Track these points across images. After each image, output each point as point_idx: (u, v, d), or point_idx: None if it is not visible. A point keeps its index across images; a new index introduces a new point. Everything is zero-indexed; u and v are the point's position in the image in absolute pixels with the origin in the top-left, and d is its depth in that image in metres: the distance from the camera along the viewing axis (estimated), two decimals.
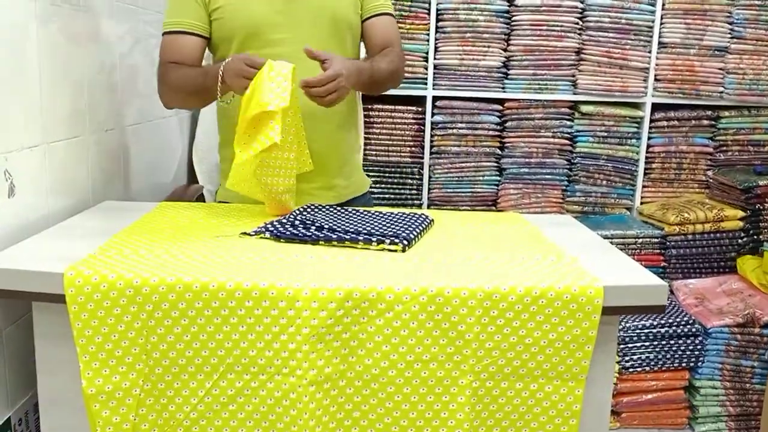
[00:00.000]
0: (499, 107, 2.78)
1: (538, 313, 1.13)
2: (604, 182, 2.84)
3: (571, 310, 1.13)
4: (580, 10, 2.72)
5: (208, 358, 1.12)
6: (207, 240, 1.33)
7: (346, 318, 1.11)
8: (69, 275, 1.09)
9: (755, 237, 2.67)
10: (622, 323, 2.43)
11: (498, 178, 2.83)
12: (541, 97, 2.76)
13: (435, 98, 2.77)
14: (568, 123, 2.80)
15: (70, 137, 1.58)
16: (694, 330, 2.43)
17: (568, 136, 2.81)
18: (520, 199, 2.82)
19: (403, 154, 2.80)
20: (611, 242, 2.56)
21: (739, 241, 2.68)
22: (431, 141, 2.79)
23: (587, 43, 2.74)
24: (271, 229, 1.37)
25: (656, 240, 2.65)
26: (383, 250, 1.30)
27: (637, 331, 2.42)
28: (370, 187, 2.74)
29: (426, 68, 2.75)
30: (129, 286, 1.09)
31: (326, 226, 1.37)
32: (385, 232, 1.35)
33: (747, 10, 2.75)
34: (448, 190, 2.82)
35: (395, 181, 2.80)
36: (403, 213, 1.53)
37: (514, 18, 2.72)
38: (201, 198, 2.33)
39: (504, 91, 2.77)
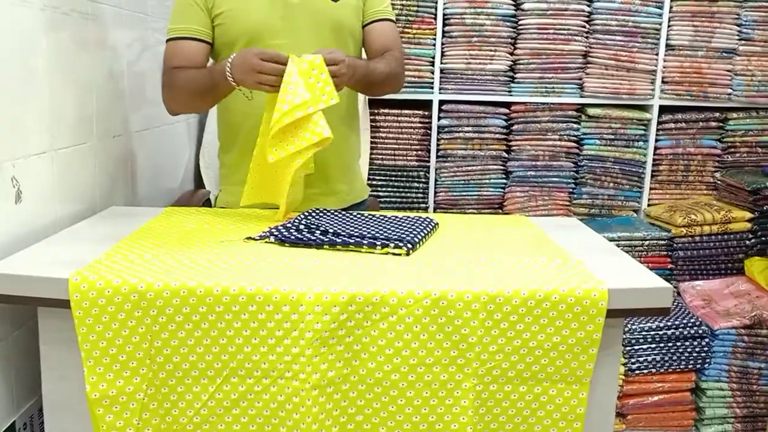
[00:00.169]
0: (506, 111, 2.78)
1: (542, 316, 1.13)
2: (611, 184, 2.83)
3: (576, 313, 1.13)
4: (587, 14, 2.72)
5: (212, 362, 1.13)
6: (212, 245, 1.33)
7: (349, 322, 1.11)
8: (74, 281, 1.10)
9: (763, 238, 2.65)
10: (628, 325, 2.42)
11: (504, 181, 2.83)
12: (547, 100, 2.76)
13: (441, 102, 2.77)
14: (575, 126, 2.79)
15: (78, 144, 1.60)
16: (700, 332, 2.41)
17: (575, 138, 2.81)
18: (527, 202, 2.82)
19: (409, 157, 2.80)
20: (618, 244, 2.56)
21: (747, 242, 2.66)
22: (438, 144, 2.80)
23: (594, 46, 2.74)
24: (276, 233, 1.38)
25: (663, 242, 2.64)
26: (387, 253, 1.31)
27: (644, 332, 2.41)
28: (377, 191, 2.79)
29: (432, 72, 2.75)
30: (133, 291, 1.10)
31: (331, 231, 1.38)
32: (390, 235, 1.36)
33: (755, 12, 2.73)
34: (455, 194, 2.82)
35: (402, 184, 2.80)
36: (408, 217, 1.54)
37: (520, 22, 2.72)
38: (208, 203, 2.34)
39: (510, 95, 2.77)
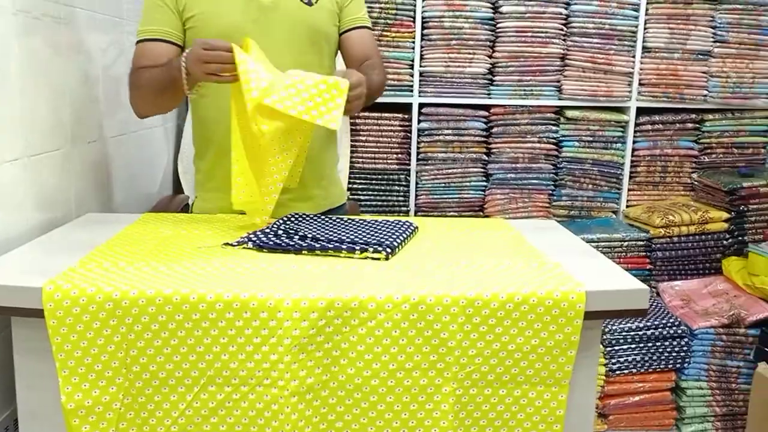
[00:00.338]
0: (485, 113, 2.79)
1: (521, 319, 1.13)
2: (590, 186, 2.85)
3: (554, 315, 1.13)
4: (564, 17, 2.74)
5: (189, 370, 1.11)
6: (189, 251, 1.32)
7: (328, 327, 1.11)
8: (47, 289, 1.09)
9: (740, 238, 2.69)
10: (609, 326, 2.44)
11: (485, 183, 2.84)
12: (526, 102, 2.77)
13: (421, 105, 2.77)
14: (554, 128, 2.81)
15: (52, 150, 1.58)
16: (680, 331, 2.44)
17: (554, 141, 2.82)
18: (507, 204, 2.83)
19: (389, 161, 2.80)
20: (598, 245, 2.58)
21: (724, 242, 2.69)
22: (418, 148, 2.80)
23: (572, 48, 2.76)
24: (254, 239, 1.37)
25: (642, 243, 2.66)
26: (366, 258, 1.30)
27: (624, 333, 2.43)
28: (357, 194, 2.78)
29: (412, 76, 2.75)
30: (108, 300, 1.08)
31: (309, 236, 1.37)
32: (369, 240, 1.35)
33: (729, 14, 2.77)
34: (435, 197, 2.83)
35: (382, 188, 2.80)
36: (387, 221, 1.54)
37: (498, 25, 2.73)
38: (186, 208, 2.32)
39: (490, 98, 2.78)
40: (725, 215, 2.67)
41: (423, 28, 2.72)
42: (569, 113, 2.79)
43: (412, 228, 1.49)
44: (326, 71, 1.70)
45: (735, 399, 2.49)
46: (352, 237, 1.37)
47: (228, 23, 1.56)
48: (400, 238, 1.40)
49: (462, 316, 1.12)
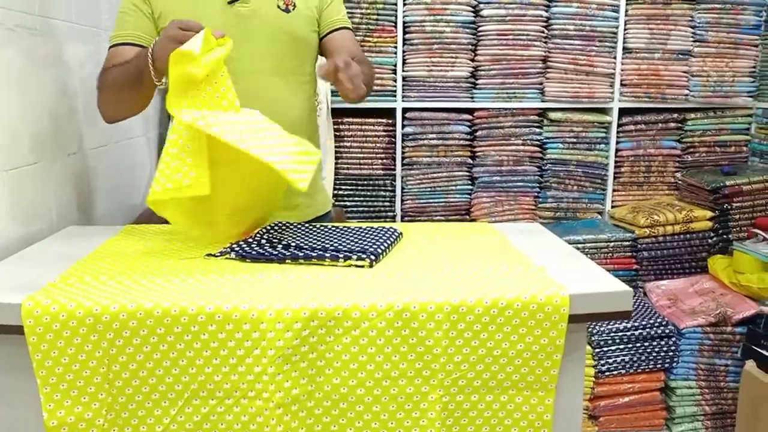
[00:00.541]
0: (469, 117, 2.80)
1: (505, 324, 1.13)
2: (575, 187, 2.86)
3: (538, 319, 1.13)
4: (545, 19, 2.75)
5: (173, 384, 1.10)
6: (171, 263, 1.31)
7: (312, 338, 1.10)
8: (27, 305, 1.07)
9: (724, 236, 2.70)
10: (596, 327, 2.45)
11: (470, 187, 2.84)
12: (509, 105, 2.78)
13: (405, 110, 2.77)
14: (538, 130, 2.82)
15: (30, 163, 1.56)
16: (667, 331, 2.45)
17: (538, 143, 2.83)
18: (493, 207, 2.83)
19: (375, 166, 2.80)
20: (584, 247, 2.59)
21: (709, 241, 2.71)
22: (402, 152, 2.80)
23: (553, 51, 2.77)
24: (237, 249, 1.35)
25: (627, 243, 2.67)
26: (350, 266, 1.29)
27: (612, 334, 2.43)
28: (343, 201, 2.77)
29: (395, 80, 2.76)
30: (89, 315, 1.07)
31: (293, 244, 1.36)
32: (353, 247, 1.35)
33: (708, 13, 2.80)
34: (421, 201, 2.83)
35: (368, 193, 2.80)
36: (371, 227, 1.53)
37: (480, 28, 2.74)
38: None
39: (473, 101, 2.79)
40: (709, 214, 2.69)
41: (405, 32, 2.73)
42: (552, 115, 2.80)
43: (396, 234, 1.49)
44: (307, 77, 1.69)
45: (724, 397, 2.50)
46: (335, 245, 1.37)
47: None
48: (384, 244, 1.39)
49: (447, 323, 1.11)
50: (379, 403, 1.13)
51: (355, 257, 1.30)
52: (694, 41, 2.82)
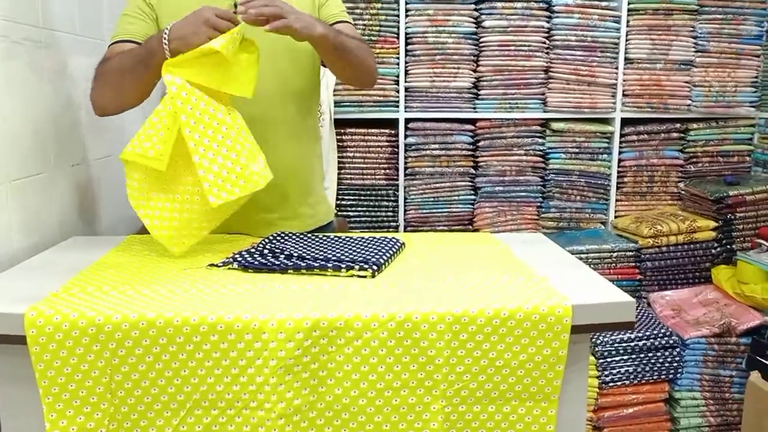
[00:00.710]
0: (472, 127, 2.80)
1: (508, 334, 1.13)
2: (578, 198, 2.86)
3: (541, 330, 1.13)
4: (547, 30, 2.76)
5: (175, 394, 1.10)
6: (173, 273, 1.31)
7: (314, 348, 1.10)
8: (30, 316, 1.08)
9: (728, 247, 2.70)
10: (600, 337, 2.44)
11: (473, 197, 2.84)
12: (512, 116, 2.79)
13: (407, 120, 2.78)
14: (540, 140, 2.82)
15: (34, 174, 1.57)
16: (671, 342, 2.43)
17: (541, 153, 2.84)
18: (496, 217, 2.83)
19: (377, 176, 2.80)
20: (587, 257, 2.59)
21: (713, 251, 2.70)
22: (405, 163, 2.80)
23: (555, 61, 2.78)
24: (239, 259, 1.36)
25: (631, 253, 2.67)
26: (353, 276, 1.30)
27: (615, 344, 2.42)
28: (346, 211, 2.78)
29: (397, 91, 2.76)
30: (91, 325, 1.07)
31: (295, 254, 1.36)
32: (355, 257, 1.35)
33: (710, 24, 2.80)
34: (424, 211, 2.83)
35: (371, 203, 2.80)
36: (373, 237, 1.53)
37: (482, 39, 2.75)
38: None
39: (475, 111, 2.79)
40: (713, 224, 2.68)
41: (407, 43, 2.74)
42: (555, 125, 2.80)
43: (399, 244, 1.49)
44: (307, 79, 1.67)
45: (729, 408, 2.48)
46: (337, 255, 1.37)
47: None
48: (387, 255, 1.39)
49: (449, 333, 1.11)
50: (381, 414, 1.13)
51: (357, 267, 1.30)
52: (695, 51, 2.82)
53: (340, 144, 2.76)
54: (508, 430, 1.17)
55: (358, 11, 2.66)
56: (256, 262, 1.34)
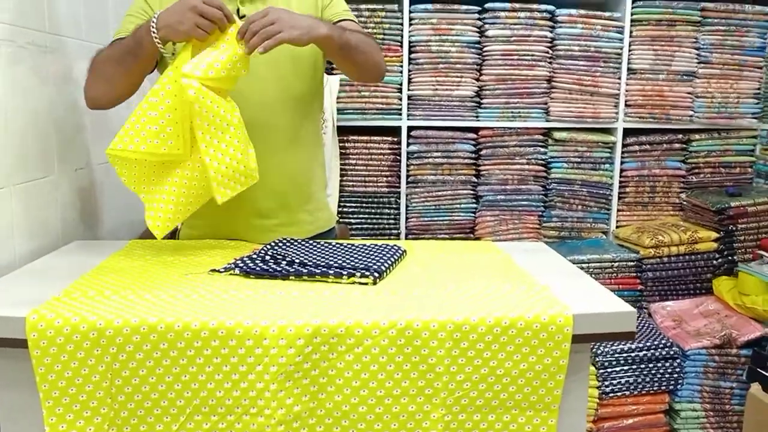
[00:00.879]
0: (474, 136, 2.81)
1: (509, 343, 1.13)
2: (580, 207, 2.86)
3: (542, 339, 1.13)
4: (550, 40, 2.77)
5: (175, 399, 1.10)
6: (175, 278, 1.31)
7: (314, 354, 1.10)
8: (31, 319, 1.08)
9: (729, 258, 2.69)
10: (601, 347, 2.43)
11: (475, 205, 2.84)
12: (514, 124, 2.79)
13: (410, 128, 2.78)
14: (542, 149, 2.83)
15: (38, 178, 1.57)
16: (672, 352, 2.43)
17: (543, 162, 2.84)
18: (498, 226, 2.83)
19: (379, 184, 2.81)
20: (588, 266, 2.58)
21: (714, 262, 2.70)
22: (407, 170, 2.81)
23: (558, 71, 2.78)
24: (241, 265, 1.36)
25: (632, 263, 2.66)
26: (354, 283, 1.30)
27: (616, 355, 2.42)
28: (348, 218, 2.78)
29: (400, 99, 2.77)
30: (92, 329, 1.07)
31: (297, 261, 1.37)
32: (356, 264, 1.35)
33: (713, 35, 2.81)
34: (426, 219, 2.83)
35: (373, 211, 2.80)
36: (375, 245, 1.53)
37: (485, 48, 2.76)
38: (175, 234, 2.31)
39: (478, 120, 2.80)
40: (714, 235, 2.68)
41: (410, 52, 2.75)
42: (557, 135, 2.81)
43: (400, 252, 1.49)
44: (308, 85, 1.65)
45: (729, 421, 2.48)
46: (339, 262, 1.37)
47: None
48: (388, 262, 1.39)
49: (449, 341, 1.11)
50: (381, 421, 1.13)
51: (358, 274, 1.30)
52: (698, 63, 2.83)
53: (343, 151, 2.77)
54: None
55: (362, 19, 2.67)
56: (257, 268, 1.34)
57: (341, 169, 2.76)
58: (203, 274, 1.35)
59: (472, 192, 2.83)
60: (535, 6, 2.73)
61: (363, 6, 2.67)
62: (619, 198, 2.89)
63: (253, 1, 1.59)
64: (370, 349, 1.10)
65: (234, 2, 1.57)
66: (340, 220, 2.75)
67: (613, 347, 2.43)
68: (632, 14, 2.76)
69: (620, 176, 2.87)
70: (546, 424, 1.16)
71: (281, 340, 1.07)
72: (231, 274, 1.35)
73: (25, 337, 1.08)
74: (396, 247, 1.51)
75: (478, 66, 2.78)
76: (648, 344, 2.44)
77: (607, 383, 2.42)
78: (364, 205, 2.79)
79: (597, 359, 2.42)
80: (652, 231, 2.72)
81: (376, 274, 1.31)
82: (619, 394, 2.43)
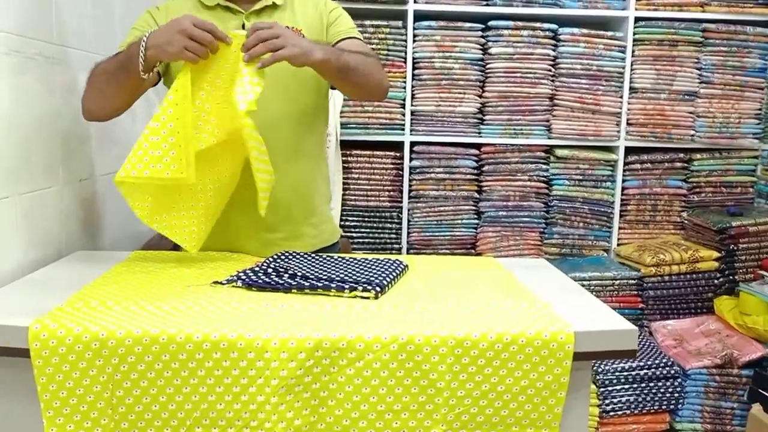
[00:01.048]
0: (476, 152, 2.82)
1: (510, 359, 1.13)
2: (581, 224, 2.87)
3: (543, 356, 1.13)
4: (552, 58, 2.79)
5: (175, 411, 1.10)
6: (177, 290, 1.31)
7: (315, 368, 1.10)
8: (34, 329, 1.08)
9: (731, 277, 2.69)
10: (601, 366, 2.43)
11: (476, 221, 2.85)
12: (516, 141, 2.81)
13: (413, 143, 2.80)
14: (544, 167, 2.84)
15: (42, 188, 1.58)
16: (673, 372, 2.42)
17: (545, 179, 2.85)
18: (499, 242, 2.84)
19: (382, 198, 2.82)
20: (589, 284, 2.58)
21: (715, 281, 2.70)
22: (410, 185, 2.82)
23: (560, 89, 2.80)
24: (243, 277, 1.36)
25: (633, 281, 2.66)
26: (356, 297, 1.30)
27: (617, 373, 2.41)
28: (350, 232, 2.78)
29: (403, 114, 2.79)
30: (95, 339, 1.08)
31: (299, 274, 1.37)
32: (358, 278, 1.35)
33: (714, 56, 2.83)
34: (427, 234, 2.84)
35: (375, 225, 2.81)
36: (377, 259, 1.53)
37: (488, 66, 2.78)
38: (178, 245, 2.31)
39: (480, 136, 2.81)
40: (715, 254, 2.68)
41: (414, 68, 2.77)
42: (559, 152, 2.82)
43: (402, 266, 1.49)
44: (312, 98, 1.66)
45: None
46: (341, 276, 1.37)
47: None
48: (390, 276, 1.39)
49: (451, 357, 1.11)
50: None
51: (360, 288, 1.30)
52: (700, 83, 2.84)
53: (346, 165, 2.78)
54: None
55: (366, 35, 2.69)
56: (260, 281, 1.34)
57: (344, 183, 2.77)
58: (206, 286, 1.35)
59: (473, 208, 2.84)
60: (538, 24, 2.76)
61: (367, 22, 2.69)
62: (621, 216, 2.90)
63: (260, 16, 1.60)
64: (372, 363, 1.10)
65: (239, 18, 1.58)
66: (342, 234, 2.75)
67: (614, 365, 2.43)
68: (634, 34, 2.79)
69: (622, 194, 2.88)
70: None
71: (283, 353, 1.07)
72: (233, 286, 1.35)
73: (27, 346, 1.08)
74: (398, 262, 1.51)
75: (480, 83, 2.79)
76: (649, 363, 2.43)
77: (607, 402, 2.41)
78: (366, 219, 2.80)
79: (597, 377, 2.41)
80: (653, 249, 2.72)
81: (378, 289, 1.31)
82: (619, 412, 2.42)
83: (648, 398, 2.42)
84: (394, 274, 1.43)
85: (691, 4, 2.80)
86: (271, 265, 1.42)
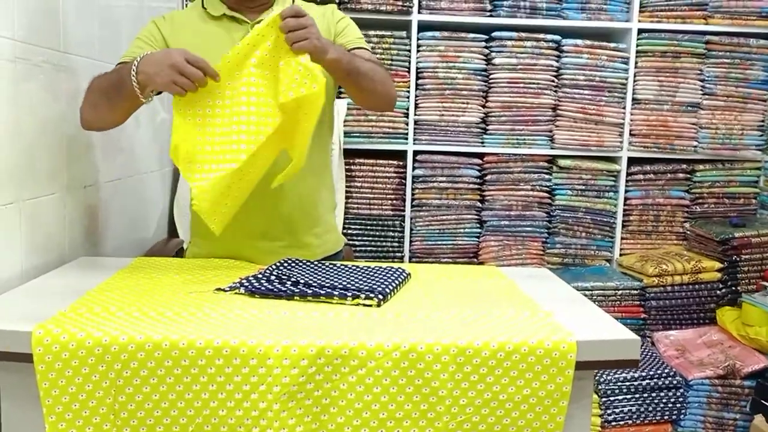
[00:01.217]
0: (479, 161, 2.83)
1: (512, 368, 1.13)
2: (584, 234, 2.87)
3: (545, 365, 1.13)
4: (556, 69, 2.80)
5: (177, 418, 1.10)
6: (180, 296, 1.32)
7: (318, 375, 1.10)
8: (37, 334, 1.08)
9: (733, 288, 2.69)
10: (603, 375, 2.42)
11: (479, 230, 2.85)
12: (519, 151, 2.81)
13: (416, 152, 2.81)
14: (547, 176, 2.84)
15: (47, 194, 1.59)
16: (675, 382, 2.42)
17: (547, 189, 2.85)
18: (501, 251, 2.84)
19: (384, 207, 2.82)
20: (591, 294, 2.58)
21: (718, 292, 2.69)
22: (412, 194, 2.82)
23: (563, 99, 2.81)
24: (246, 284, 1.36)
25: (636, 292, 2.66)
26: (358, 305, 1.30)
27: (619, 383, 2.41)
28: (352, 240, 2.79)
29: (407, 124, 2.80)
30: (97, 345, 1.08)
31: (302, 281, 1.37)
32: (361, 286, 1.35)
33: (717, 67, 2.84)
34: (430, 243, 2.84)
35: (377, 233, 2.81)
36: (380, 267, 1.54)
37: (491, 76, 2.79)
38: (181, 252, 2.32)
39: (483, 146, 2.82)
40: (718, 265, 2.68)
41: (417, 78, 2.78)
42: (562, 162, 2.82)
43: (405, 275, 1.50)
44: (321, 127, 1.66)
45: None
46: (344, 283, 1.37)
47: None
48: (393, 284, 1.40)
49: (453, 365, 1.11)
50: None
51: (363, 296, 1.31)
52: (703, 94, 2.85)
53: (349, 174, 2.79)
54: None
55: (370, 45, 2.70)
56: (262, 288, 1.35)
57: (347, 192, 2.78)
58: (208, 292, 1.35)
59: (476, 217, 2.85)
60: (541, 35, 2.77)
61: (372, 32, 2.70)
62: (623, 226, 2.90)
63: None
64: (374, 370, 1.10)
65: (245, 28, 1.59)
66: (345, 242, 2.75)
67: (616, 376, 2.42)
68: (637, 45, 2.80)
69: (624, 204, 2.88)
70: None
71: (285, 360, 1.07)
72: (236, 293, 1.35)
73: (30, 351, 1.08)
74: (400, 270, 1.51)
75: (484, 93, 2.81)
76: (651, 373, 2.42)
77: (609, 412, 2.40)
78: (368, 227, 2.81)
79: (600, 387, 2.41)
80: (655, 260, 2.72)
81: (381, 296, 1.31)
82: (621, 423, 2.41)
83: (650, 409, 2.41)
84: (397, 282, 1.43)
85: (694, 17, 2.81)
86: (274, 273, 1.42)
